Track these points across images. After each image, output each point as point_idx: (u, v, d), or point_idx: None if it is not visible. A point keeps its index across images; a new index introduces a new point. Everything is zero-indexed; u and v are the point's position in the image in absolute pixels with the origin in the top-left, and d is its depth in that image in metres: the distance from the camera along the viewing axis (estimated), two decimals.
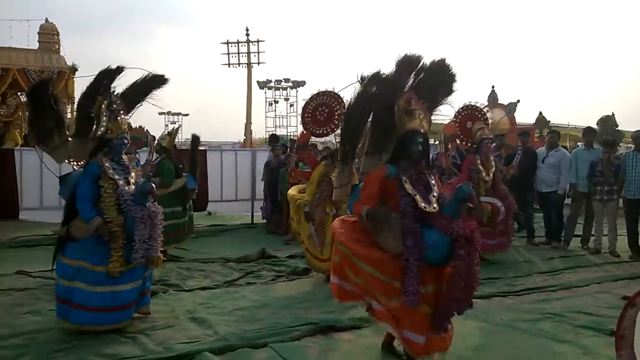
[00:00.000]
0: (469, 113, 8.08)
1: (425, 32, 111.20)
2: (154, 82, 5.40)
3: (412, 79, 4.23)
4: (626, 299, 3.11)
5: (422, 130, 3.73)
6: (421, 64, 4.23)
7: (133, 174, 4.56)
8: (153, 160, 7.36)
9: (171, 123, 42.57)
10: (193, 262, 7.29)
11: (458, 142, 8.46)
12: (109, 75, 5.13)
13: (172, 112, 45.30)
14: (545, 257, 7.77)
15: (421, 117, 3.77)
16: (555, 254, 8.01)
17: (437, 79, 4.28)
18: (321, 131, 7.10)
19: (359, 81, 4.36)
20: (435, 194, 3.67)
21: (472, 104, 8.22)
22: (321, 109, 6.97)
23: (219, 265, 7.17)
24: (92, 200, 4.34)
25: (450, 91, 4.38)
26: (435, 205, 3.61)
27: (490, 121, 8.34)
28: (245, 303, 5.37)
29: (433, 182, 3.76)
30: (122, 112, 4.59)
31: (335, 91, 6.87)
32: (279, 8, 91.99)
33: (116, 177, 4.40)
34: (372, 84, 4.27)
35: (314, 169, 6.60)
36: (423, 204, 3.55)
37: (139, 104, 5.34)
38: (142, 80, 5.33)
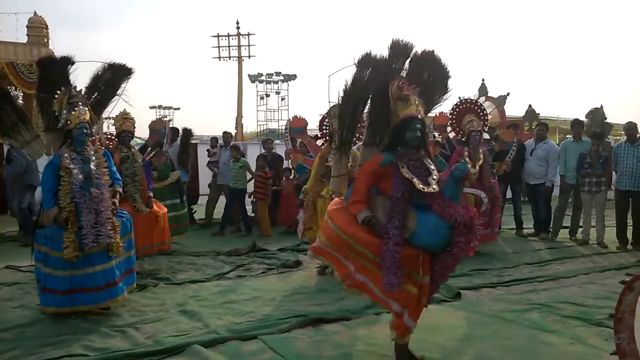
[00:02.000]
0: (467, 107, 8.08)
1: (416, 24, 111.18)
2: (119, 73, 5.35)
3: (405, 67, 4.12)
4: (624, 283, 3.15)
5: (419, 116, 3.64)
6: (413, 51, 4.15)
7: (93, 163, 4.63)
8: (166, 151, 7.45)
9: (162, 117, 42.44)
10: (184, 256, 7.28)
11: (451, 133, 8.43)
12: (57, 65, 5.00)
13: (163, 105, 45.24)
14: (533, 249, 7.84)
15: (416, 102, 3.68)
16: (544, 245, 8.09)
17: (430, 72, 4.19)
18: None
19: (355, 64, 4.21)
20: (434, 176, 3.57)
21: (471, 98, 8.24)
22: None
23: (210, 258, 7.18)
24: (52, 189, 4.56)
25: (445, 90, 4.29)
26: (435, 186, 3.51)
27: (489, 116, 8.36)
28: (236, 296, 5.38)
29: (432, 166, 3.66)
30: (80, 103, 4.68)
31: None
32: (270, 1, 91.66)
33: (71, 166, 4.52)
34: (366, 66, 4.09)
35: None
36: (421, 186, 3.46)
37: (113, 100, 5.35)
38: (104, 72, 5.26)
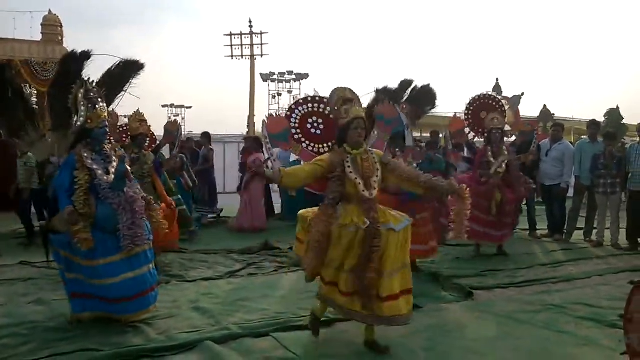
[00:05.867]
0: (483, 103, 7.98)
1: (430, 25, 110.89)
2: (130, 68, 5.31)
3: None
4: (633, 284, 3.12)
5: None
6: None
7: (114, 163, 4.43)
8: (176, 155, 7.42)
9: (174, 115, 42.67)
10: (196, 254, 7.32)
11: (471, 135, 8.30)
12: (75, 61, 4.94)
13: (175, 104, 45.38)
14: (547, 250, 7.77)
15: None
16: (558, 246, 8.02)
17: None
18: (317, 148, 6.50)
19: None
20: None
21: (486, 93, 8.10)
22: (312, 119, 6.39)
23: (222, 256, 7.21)
24: (68, 190, 4.25)
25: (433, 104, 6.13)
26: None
27: (506, 109, 8.19)
28: (248, 294, 5.39)
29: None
30: (100, 100, 4.45)
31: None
32: (283, 0, 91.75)
33: (94, 167, 4.30)
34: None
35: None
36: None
37: (120, 94, 5.30)
38: (117, 67, 5.23)
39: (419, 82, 7.16)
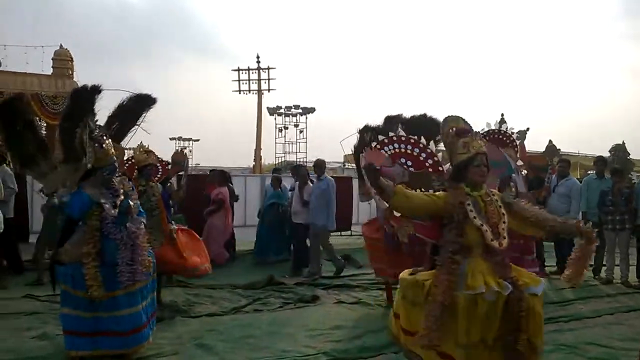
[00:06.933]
0: (494, 138, 7.94)
1: (435, 59, 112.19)
2: (143, 103, 5.28)
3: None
4: None
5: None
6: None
7: (122, 196, 4.44)
8: (183, 186, 7.34)
9: (182, 148, 42.95)
10: (200, 288, 7.25)
11: None
12: (86, 96, 4.93)
13: (182, 137, 45.77)
14: (556, 287, 7.66)
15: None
16: (567, 284, 7.87)
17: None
18: None
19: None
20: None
21: (499, 129, 8.05)
22: (401, 161, 5.41)
23: (227, 291, 7.14)
24: (80, 212, 4.30)
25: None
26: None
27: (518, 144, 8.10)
28: (253, 331, 5.33)
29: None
30: (104, 137, 4.48)
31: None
32: (290, 35, 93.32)
33: (102, 200, 4.30)
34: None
35: None
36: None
37: (133, 129, 5.26)
38: (129, 101, 5.20)
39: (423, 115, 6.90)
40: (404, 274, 3.52)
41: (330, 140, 37.85)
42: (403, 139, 5.08)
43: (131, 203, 4.41)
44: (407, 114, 6.89)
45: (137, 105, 5.26)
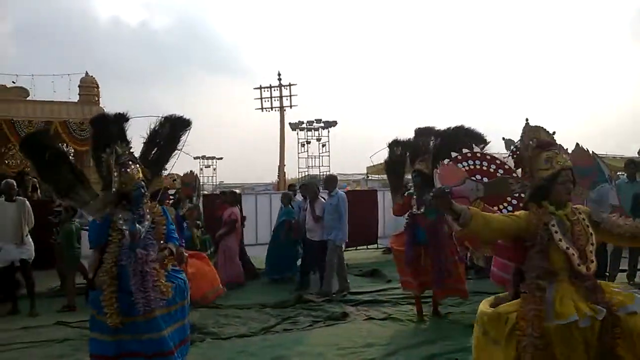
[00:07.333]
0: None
1: (458, 67, 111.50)
2: (178, 126, 5.16)
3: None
4: None
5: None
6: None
7: (146, 222, 4.41)
8: (197, 205, 7.31)
9: (206, 167, 43.39)
10: (229, 309, 7.24)
11: None
12: (108, 122, 4.89)
13: (206, 156, 46.17)
14: None
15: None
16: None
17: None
18: None
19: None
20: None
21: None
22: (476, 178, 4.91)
23: (255, 311, 7.11)
24: (95, 239, 4.38)
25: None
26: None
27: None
28: (283, 351, 5.28)
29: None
30: (130, 162, 4.48)
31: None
32: (310, 50, 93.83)
33: (124, 227, 4.29)
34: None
35: None
36: None
37: (174, 154, 5.15)
38: (162, 127, 5.09)
39: (450, 124, 6.65)
40: (484, 305, 3.21)
41: (353, 153, 37.76)
42: (478, 155, 4.72)
43: (139, 228, 4.33)
44: (431, 125, 6.78)
45: (172, 130, 5.13)
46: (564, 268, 2.97)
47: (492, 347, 3.01)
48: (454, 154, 4.66)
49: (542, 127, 3.35)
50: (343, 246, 8.54)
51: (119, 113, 4.95)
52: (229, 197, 9.63)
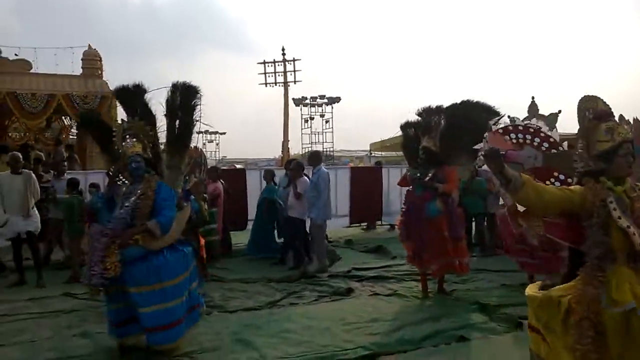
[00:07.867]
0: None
1: (464, 43, 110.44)
2: (189, 95, 5.02)
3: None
4: None
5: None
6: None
7: (133, 198, 4.43)
8: (203, 179, 7.34)
9: (209, 142, 43.22)
10: (235, 282, 7.29)
11: None
12: (136, 97, 4.96)
13: (209, 130, 45.97)
14: None
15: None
16: None
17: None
18: None
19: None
20: None
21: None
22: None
23: (261, 285, 7.15)
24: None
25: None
26: None
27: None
28: (290, 325, 5.31)
29: None
30: (130, 134, 4.60)
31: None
32: (314, 26, 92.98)
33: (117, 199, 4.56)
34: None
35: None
36: None
37: (195, 125, 5.04)
38: (174, 96, 4.98)
39: (452, 100, 6.64)
40: (532, 289, 3.03)
41: (357, 129, 37.61)
42: (521, 127, 4.29)
43: (98, 203, 4.49)
44: (435, 100, 6.83)
45: (185, 98, 5.00)
46: (621, 249, 2.71)
47: (546, 333, 2.86)
48: (505, 123, 4.33)
49: (600, 98, 3.13)
50: (325, 225, 8.38)
51: (138, 85, 4.96)
52: (211, 172, 9.59)
